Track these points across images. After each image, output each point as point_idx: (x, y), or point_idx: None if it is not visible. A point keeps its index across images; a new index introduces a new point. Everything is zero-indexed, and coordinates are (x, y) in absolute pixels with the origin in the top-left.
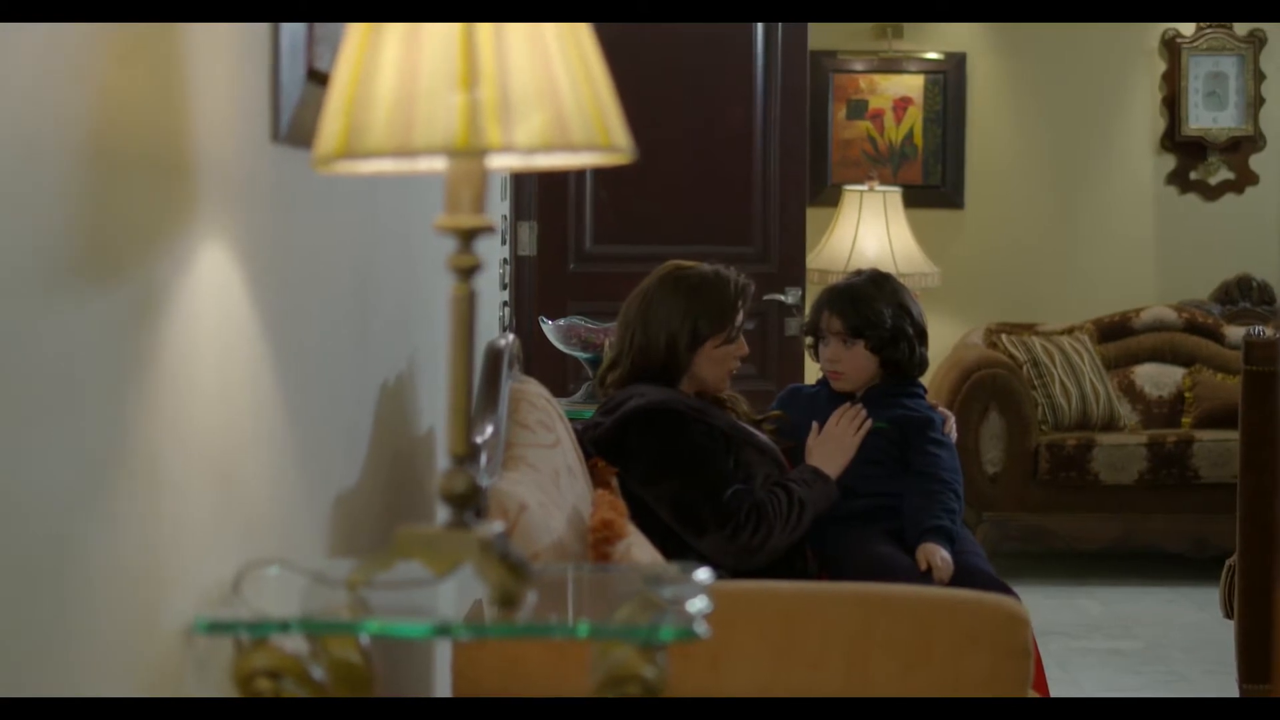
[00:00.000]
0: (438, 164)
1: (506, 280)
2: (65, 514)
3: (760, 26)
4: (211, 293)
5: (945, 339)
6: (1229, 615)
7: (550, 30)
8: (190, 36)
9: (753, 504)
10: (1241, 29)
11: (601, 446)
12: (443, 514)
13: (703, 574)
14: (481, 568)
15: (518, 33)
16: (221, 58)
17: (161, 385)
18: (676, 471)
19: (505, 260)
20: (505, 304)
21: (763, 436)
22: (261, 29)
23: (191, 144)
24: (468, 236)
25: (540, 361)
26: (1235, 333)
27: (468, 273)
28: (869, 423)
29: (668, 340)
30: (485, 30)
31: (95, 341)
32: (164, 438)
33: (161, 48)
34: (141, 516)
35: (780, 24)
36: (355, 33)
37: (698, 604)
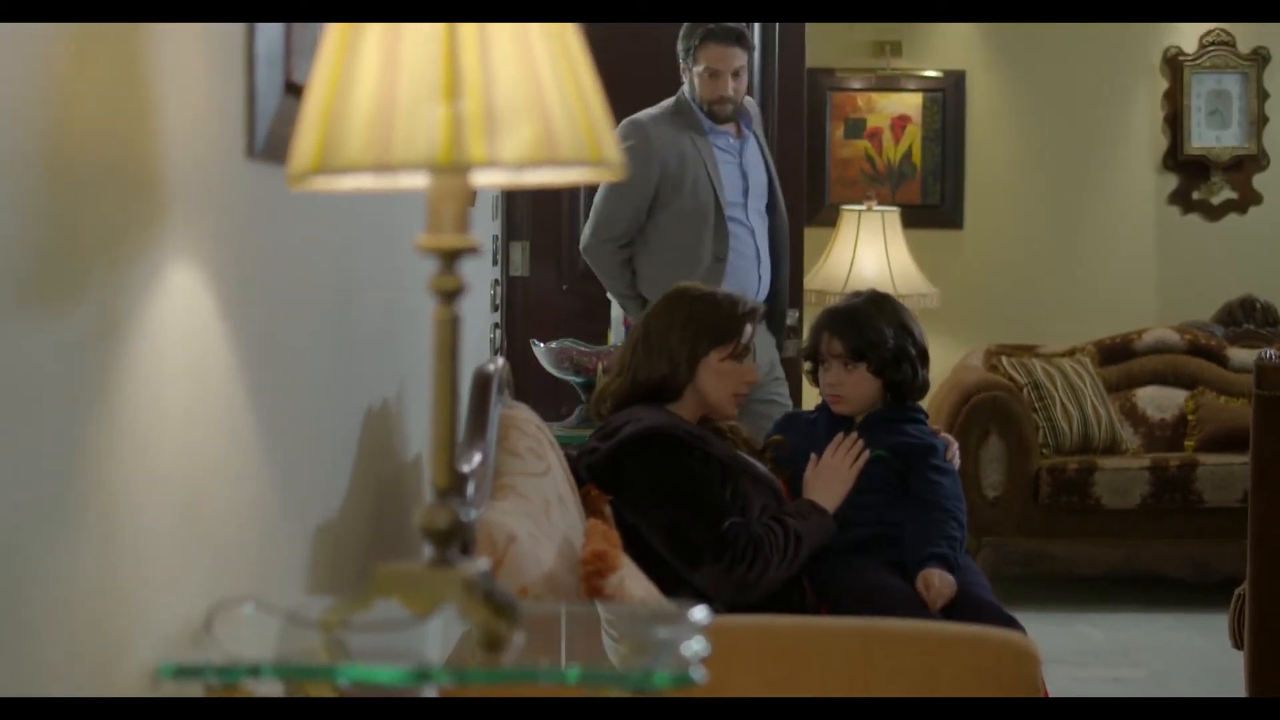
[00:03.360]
0: (419, 180)
1: (498, 301)
2: (16, 549)
3: (758, 43)
4: (180, 314)
5: (944, 361)
6: (1238, 645)
7: (538, 39)
8: (158, 46)
9: (750, 537)
10: (1244, 46)
11: (597, 472)
12: (427, 549)
13: (699, 614)
14: (465, 608)
15: (503, 42)
16: (193, 69)
17: (124, 411)
18: (672, 499)
19: (496, 280)
20: (496, 326)
21: (761, 467)
22: (236, 40)
23: (159, 157)
24: (450, 257)
25: (532, 384)
26: (1238, 355)
27: (450, 295)
28: (866, 453)
29: (670, 353)
30: (469, 39)
31: (51, 365)
32: (126, 467)
33: (126, 55)
34: (101, 551)
35: (778, 41)
36: (332, 41)
37: (694, 646)
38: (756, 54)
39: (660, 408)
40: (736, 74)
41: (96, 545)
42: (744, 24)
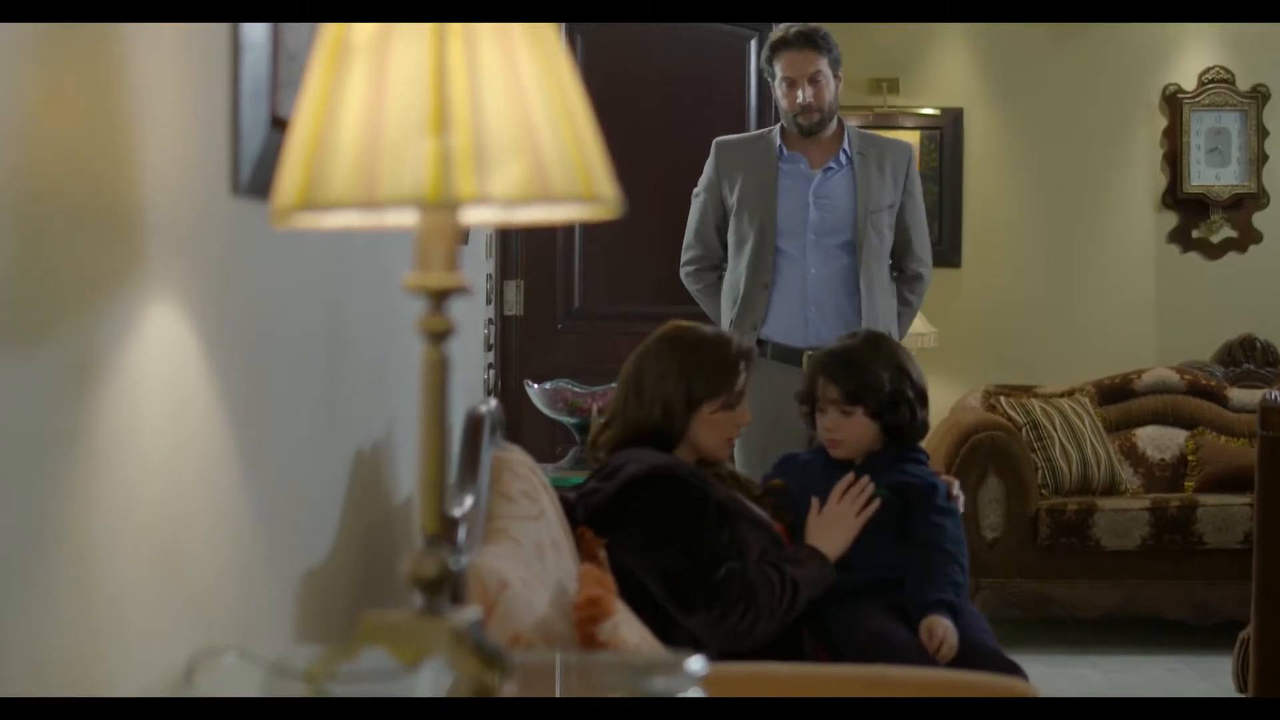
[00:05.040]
0: (407, 217)
1: (492, 341)
2: None
3: (754, 78)
4: (160, 356)
5: (943, 401)
6: (1242, 689)
7: (529, 72)
8: (138, 79)
9: (744, 586)
10: (1244, 84)
11: (598, 513)
12: (416, 597)
13: (696, 664)
14: (454, 659)
15: (493, 74)
16: (175, 102)
17: (99, 457)
18: (669, 543)
19: (490, 320)
20: (490, 366)
21: (759, 511)
22: (220, 72)
23: (139, 194)
24: (439, 297)
25: (526, 425)
26: (1238, 395)
27: (439, 337)
28: (875, 503)
29: (664, 403)
30: (458, 72)
31: (23, 409)
32: (104, 513)
33: (103, 87)
34: (77, 601)
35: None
36: (316, 74)
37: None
38: (753, 87)
39: (656, 450)
40: (814, 80)
41: (71, 594)
42: (820, 27)
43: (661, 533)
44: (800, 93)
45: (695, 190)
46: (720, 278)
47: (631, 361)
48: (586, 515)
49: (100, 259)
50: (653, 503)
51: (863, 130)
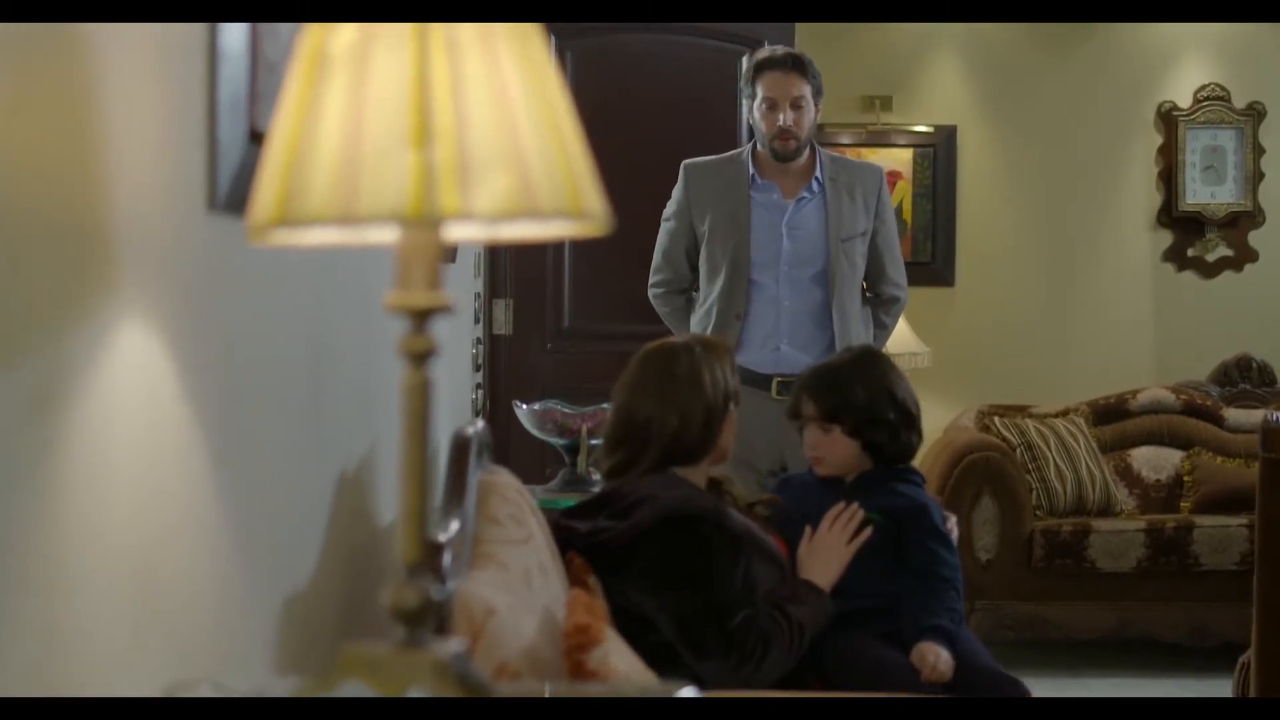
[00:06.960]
0: (388, 234)
1: (480, 361)
2: None
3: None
4: (132, 376)
5: (936, 421)
6: None
7: (514, 81)
8: (111, 90)
9: (759, 634)
10: (1240, 101)
11: (610, 551)
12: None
13: (687, 694)
14: (436, 693)
15: (478, 85)
16: (149, 113)
17: (68, 479)
18: (685, 587)
19: (479, 339)
20: (479, 386)
21: (770, 542)
22: (196, 84)
23: (110, 209)
24: (421, 317)
25: (515, 447)
26: (1235, 415)
27: (421, 358)
28: (867, 531)
29: (706, 411)
30: (440, 80)
31: None
32: (71, 538)
33: (74, 97)
34: (44, 632)
35: None
36: (295, 85)
37: None
38: (744, 103)
39: (672, 475)
40: (796, 105)
41: (38, 621)
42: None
43: (673, 577)
44: (781, 116)
45: (665, 214)
46: (688, 300)
47: (645, 391)
48: (592, 550)
49: (71, 276)
50: (667, 546)
51: (834, 154)
